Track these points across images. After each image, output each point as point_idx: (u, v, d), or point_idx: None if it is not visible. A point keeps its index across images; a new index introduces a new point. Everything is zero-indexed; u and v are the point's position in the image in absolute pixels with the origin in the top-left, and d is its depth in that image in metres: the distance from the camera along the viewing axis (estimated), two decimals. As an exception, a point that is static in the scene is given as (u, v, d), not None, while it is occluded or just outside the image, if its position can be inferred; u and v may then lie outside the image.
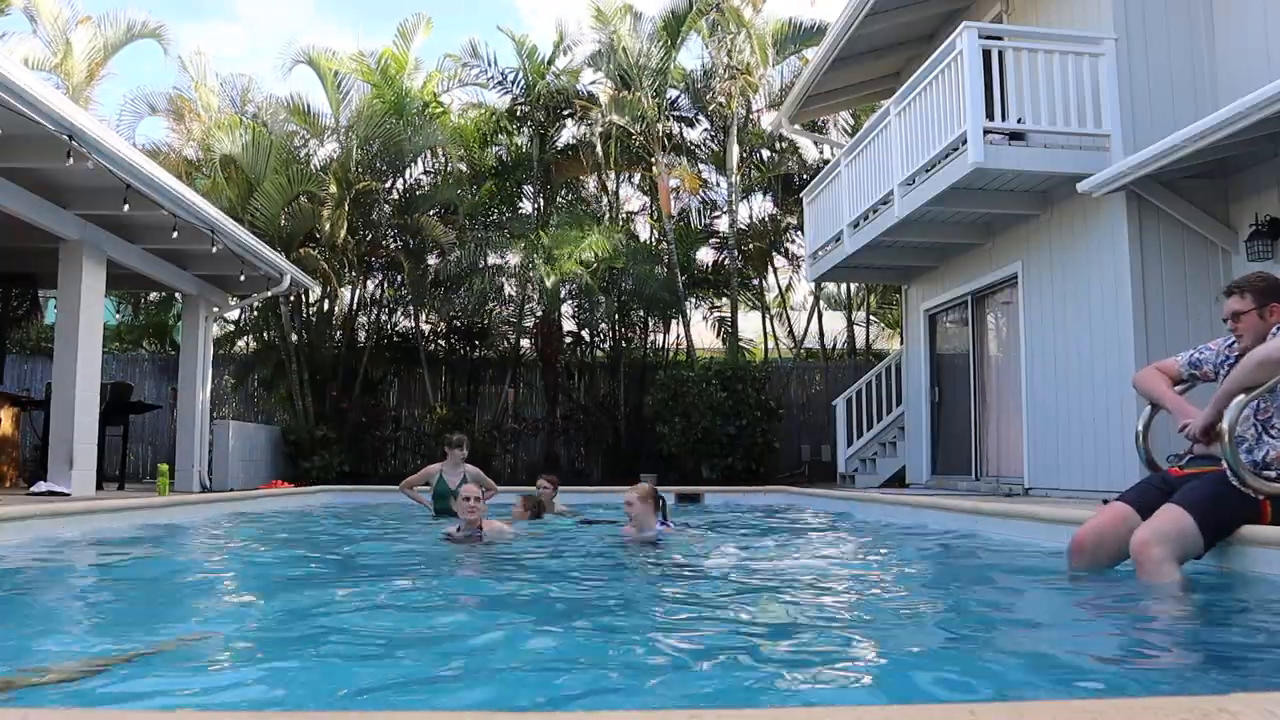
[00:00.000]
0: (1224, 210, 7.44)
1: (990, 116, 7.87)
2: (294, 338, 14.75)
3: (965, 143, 7.71)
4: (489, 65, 15.81)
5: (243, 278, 10.18)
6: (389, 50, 15.07)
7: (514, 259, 15.82)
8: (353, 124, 14.62)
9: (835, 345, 18.25)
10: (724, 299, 16.93)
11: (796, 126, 14.36)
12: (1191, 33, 7.77)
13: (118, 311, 17.81)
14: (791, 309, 18.76)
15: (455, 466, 7.71)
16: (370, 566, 4.85)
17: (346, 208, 14.14)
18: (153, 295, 16.33)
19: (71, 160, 6.40)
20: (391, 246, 15.45)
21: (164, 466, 8.66)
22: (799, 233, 16.03)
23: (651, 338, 17.12)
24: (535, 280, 15.04)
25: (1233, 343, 3.72)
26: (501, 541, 5.43)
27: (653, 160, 15.60)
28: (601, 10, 15.10)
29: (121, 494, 8.70)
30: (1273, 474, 3.40)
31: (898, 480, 11.96)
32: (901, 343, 12.98)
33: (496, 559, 4.86)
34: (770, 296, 18.25)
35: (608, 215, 16.05)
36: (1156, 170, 6.80)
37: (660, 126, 15.29)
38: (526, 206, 16.68)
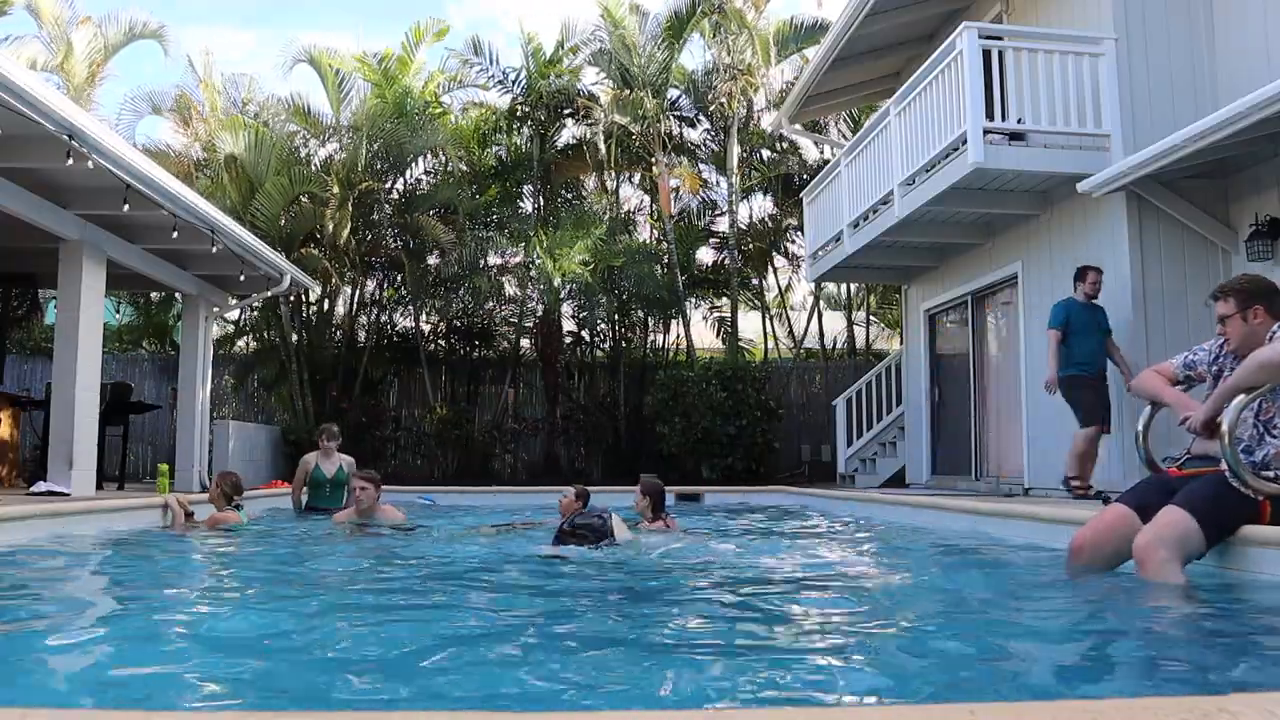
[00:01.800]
0: (1224, 210, 7.44)
1: (990, 116, 7.86)
2: (294, 338, 14.76)
3: (965, 143, 7.70)
4: (490, 63, 15.81)
5: (243, 278, 10.17)
6: (391, 52, 15.08)
7: (514, 258, 15.83)
8: (355, 124, 14.63)
9: (835, 345, 18.25)
10: (724, 299, 16.93)
11: (797, 126, 14.37)
12: (1191, 33, 7.77)
13: (118, 311, 17.81)
14: (791, 309, 18.77)
15: (328, 456, 7.94)
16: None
17: (350, 208, 14.15)
18: (153, 295, 16.34)
19: (71, 160, 6.40)
20: (392, 246, 15.45)
21: (164, 466, 8.65)
22: (799, 233, 16.02)
23: (651, 338, 17.12)
24: (535, 280, 15.05)
25: (1224, 344, 3.73)
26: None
27: (653, 160, 15.60)
28: (610, 10, 15.10)
29: (121, 494, 8.69)
30: (1272, 474, 3.40)
31: (898, 480, 11.96)
32: (901, 343, 12.98)
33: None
34: (770, 296, 18.25)
35: (608, 215, 16.04)
36: (1156, 170, 6.80)
37: (661, 126, 15.29)
38: (526, 206, 16.69)
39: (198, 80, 14.89)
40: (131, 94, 17.12)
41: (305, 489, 8.00)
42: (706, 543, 5.79)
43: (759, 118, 16.45)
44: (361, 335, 15.91)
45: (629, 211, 17.61)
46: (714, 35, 15.63)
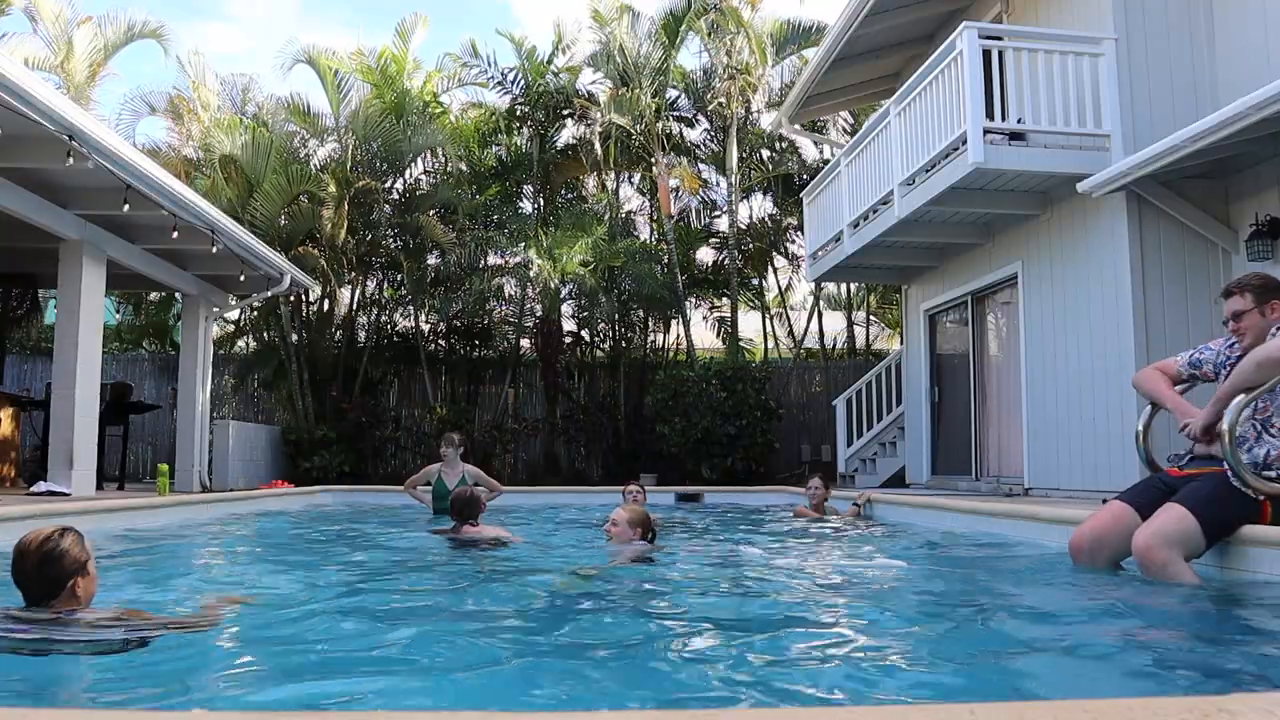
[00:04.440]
0: (1224, 210, 7.43)
1: (990, 116, 7.86)
2: (294, 338, 14.75)
3: (965, 143, 7.70)
4: (489, 65, 15.83)
5: (243, 278, 10.18)
6: (388, 50, 15.06)
7: (514, 259, 15.83)
8: (353, 124, 14.63)
9: (835, 345, 18.25)
10: (724, 299, 16.93)
11: (796, 126, 14.37)
12: (1191, 33, 7.77)
13: (118, 311, 17.81)
14: (791, 309, 18.77)
15: (452, 465, 7.75)
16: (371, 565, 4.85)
17: (346, 208, 14.15)
18: (153, 295, 16.34)
19: (71, 160, 6.40)
20: (391, 246, 15.46)
21: (164, 466, 8.66)
22: (799, 233, 16.02)
23: (651, 338, 17.11)
24: (535, 280, 15.06)
25: (1233, 343, 3.71)
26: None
27: (653, 160, 15.60)
28: (599, 11, 15.10)
29: (121, 494, 8.70)
30: (1272, 474, 3.40)
31: (898, 480, 11.96)
32: (901, 343, 12.98)
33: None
34: (770, 296, 18.25)
35: (608, 215, 16.05)
36: (1156, 170, 6.80)
37: (660, 126, 15.29)
38: (526, 206, 16.69)
39: (189, 81, 14.88)
40: (130, 94, 17.14)
41: (429, 495, 7.76)
42: (709, 544, 5.79)
43: (758, 118, 16.45)
44: (361, 335, 15.91)
45: (629, 212, 17.61)
46: (711, 35, 15.63)
